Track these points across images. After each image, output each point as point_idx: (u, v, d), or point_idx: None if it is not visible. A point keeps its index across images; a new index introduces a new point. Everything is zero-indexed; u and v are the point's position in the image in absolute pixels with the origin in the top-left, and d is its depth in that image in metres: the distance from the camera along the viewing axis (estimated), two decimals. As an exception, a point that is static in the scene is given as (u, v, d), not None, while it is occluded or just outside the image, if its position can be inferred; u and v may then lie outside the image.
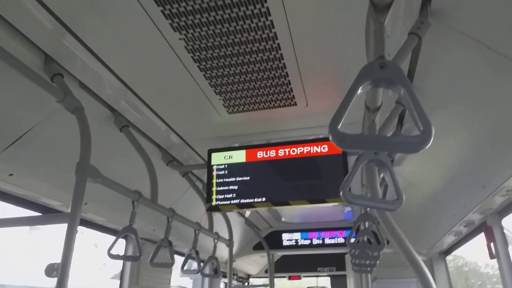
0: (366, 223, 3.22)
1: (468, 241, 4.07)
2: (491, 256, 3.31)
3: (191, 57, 2.07)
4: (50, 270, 1.84)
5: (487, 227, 3.29)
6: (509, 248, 3.15)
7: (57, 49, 1.93)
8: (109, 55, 2.06)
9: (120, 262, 3.76)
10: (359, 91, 1.13)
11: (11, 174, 2.26)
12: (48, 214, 2.59)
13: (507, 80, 1.74)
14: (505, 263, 3.15)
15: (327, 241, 5.59)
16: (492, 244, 3.29)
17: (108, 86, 2.28)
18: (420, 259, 1.65)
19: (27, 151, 2.21)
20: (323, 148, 2.84)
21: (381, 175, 2.97)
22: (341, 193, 1.17)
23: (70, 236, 1.81)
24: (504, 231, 3.29)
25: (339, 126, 1.06)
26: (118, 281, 3.75)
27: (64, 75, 2.05)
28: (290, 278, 7.43)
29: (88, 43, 1.94)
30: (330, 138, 1.06)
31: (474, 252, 4.79)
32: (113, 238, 2.56)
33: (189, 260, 3.75)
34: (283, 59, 2.10)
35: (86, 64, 2.06)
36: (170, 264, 3.20)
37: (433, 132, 0.99)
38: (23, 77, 1.78)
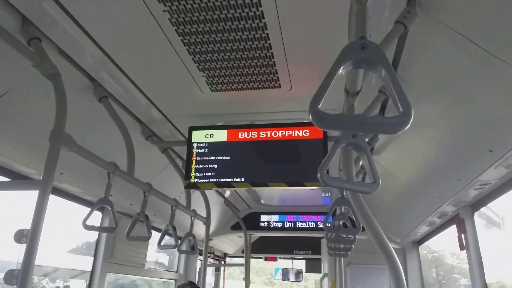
0: (343, 208, 3.25)
1: (440, 232, 4.17)
2: (461, 247, 3.41)
3: (175, 30, 2.02)
4: (20, 236, 1.82)
5: (460, 219, 3.37)
6: (479, 239, 3.25)
7: (35, 12, 1.86)
8: (91, 22, 1.99)
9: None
10: (340, 71, 1.11)
11: None
12: (19, 180, 2.55)
13: (487, 74, 1.76)
14: (474, 255, 3.24)
15: (304, 224, 5.66)
16: (463, 236, 3.38)
17: (89, 54, 2.22)
18: (390, 246, 1.67)
19: (1, 117, 2.16)
20: (305, 132, 2.85)
21: (360, 163, 3.00)
22: (318, 175, 1.17)
23: (41, 203, 1.79)
24: (490, 214, 3.39)
25: (319, 106, 1.05)
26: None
27: (42, 39, 1.98)
28: (266, 259, 7.53)
29: (70, 9, 1.87)
30: (310, 117, 1.04)
31: (440, 242, 4.92)
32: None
33: (166, 236, 3.76)
34: (269, 39, 2.07)
35: (66, 30, 1.99)
36: (146, 238, 3.20)
37: (413, 113, 0.98)
38: None
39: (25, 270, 1.68)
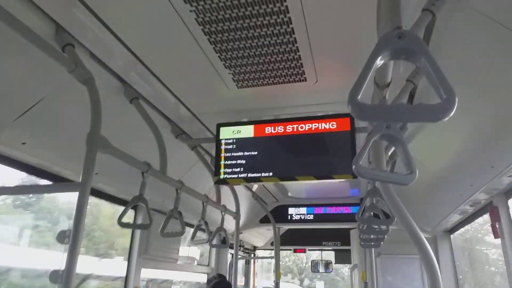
0: (374, 199, 3.24)
1: (473, 220, 4.09)
2: (496, 235, 3.34)
3: (202, 29, 2.06)
4: (62, 237, 1.89)
5: (493, 207, 3.30)
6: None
7: (68, 19, 1.93)
8: (120, 26, 2.05)
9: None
10: (378, 62, 1.08)
11: (24, 143, 2.31)
12: (60, 183, 2.65)
13: None
14: (509, 243, 3.18)
15: (333, 216, 5.65)
16: (497, 224, 3.32)
17: (119, 57, 2.29)
18: (422, 236, 1.66)
19: (39, 121, 2.25)
20: (332, 124, 2.84)
21: (389, 153, 2.97)
22: (353, 167, 1.16)
23: (81, 204, 1.86)
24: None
25: (359, 97, 1.02)
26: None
27: (75, 45, 2.05)
28: (295, 251, 7.56)
29: (99, 13, 1.94)
30: (350, 108, 1.02)
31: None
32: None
33: (198, 232, 3.84)
34: (294, 33, 2.08)
35: (97, 34, 2.06)
36: (181, 233, 3.26)
37: (456, 99, 0.95)
38: (34, 47, 1.79)
39: (69, 269, 1.75)
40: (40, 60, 1.95)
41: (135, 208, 3.75)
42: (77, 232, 1.81)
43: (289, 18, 1.95)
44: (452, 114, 0.95)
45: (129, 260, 3.81)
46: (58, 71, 2.02)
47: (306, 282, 24.01)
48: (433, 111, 0.97)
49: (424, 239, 1.65)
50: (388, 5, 1.33)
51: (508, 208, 3.21)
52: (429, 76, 1.03)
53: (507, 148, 2.34)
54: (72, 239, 1.79)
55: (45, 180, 2.75)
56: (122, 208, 2.62)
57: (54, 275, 1.79)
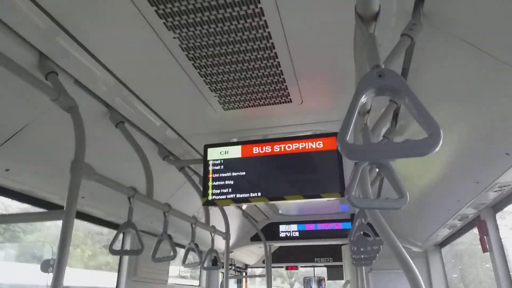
0: (363, 219, 3.25)
1: (462, 234, 4.12)
2: (484, 249, 3.36)
3: (186, 55, 2.08)
4: (46, 266, 1.85)
5: (481, 221, 3.33)
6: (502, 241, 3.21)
7: (51, 47, 1.93)
8: (104, 52, 2.06)
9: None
10: (363, 100, 1.11)
11: (7, 170, 2.29)
12: (44, 212, 2.61)
13: (498, 80, 1.76)
14: (497, 257, 3.20)
15: (324, 232, 5.64)
16: (485, 238, 3.34)
17: (103, 83, 2.29)
18: (406, 254, 1.68)
19: (23, 148, 2.23)
20: (318, 144, 2.86)
21: (376, 170, 2.99)
22: (346, 197, 1.20)
23: (66, 232, 1.83)
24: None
25: (348, 138, 1.05)
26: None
27: (58, 73, 2.05)
28: (287, 268, 7.50)
29: (82, 41, 1.94)
30: (340, 150, 1.05)
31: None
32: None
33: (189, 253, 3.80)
34: (277, 57, 2.11)
35: (81, 61, 2.06)
36: (172, 257, 3.24)
37: (442, 134, 0.98)
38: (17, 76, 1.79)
39: None
40: (23, 86, 1.95)
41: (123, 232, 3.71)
42: (62, 261, 1.77)
43: (272, 43, 1.97)
44: (438, 148, 0.97)
45: (117, 283, 3.75)
46: (42, 97, 2.01)
47: (297, 286, 23.75)
48: (420, 146, 0.99)
49: (411, 262, 1.67)
50: (365, 44, 1.35)
51: (495, 222, 3.24)
52: (413, 113, 1.06)
53: (491, 165, 2.38)
54: (56, 268, 1.76)
55: (30, 206, 2.72)
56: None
57: None
